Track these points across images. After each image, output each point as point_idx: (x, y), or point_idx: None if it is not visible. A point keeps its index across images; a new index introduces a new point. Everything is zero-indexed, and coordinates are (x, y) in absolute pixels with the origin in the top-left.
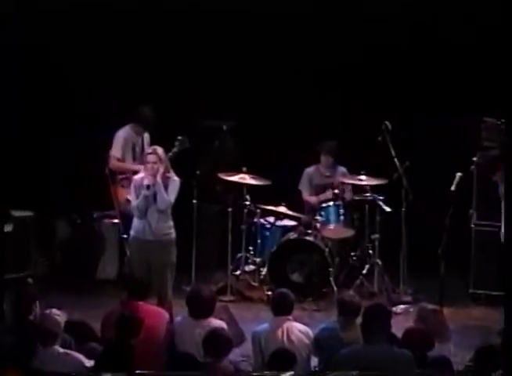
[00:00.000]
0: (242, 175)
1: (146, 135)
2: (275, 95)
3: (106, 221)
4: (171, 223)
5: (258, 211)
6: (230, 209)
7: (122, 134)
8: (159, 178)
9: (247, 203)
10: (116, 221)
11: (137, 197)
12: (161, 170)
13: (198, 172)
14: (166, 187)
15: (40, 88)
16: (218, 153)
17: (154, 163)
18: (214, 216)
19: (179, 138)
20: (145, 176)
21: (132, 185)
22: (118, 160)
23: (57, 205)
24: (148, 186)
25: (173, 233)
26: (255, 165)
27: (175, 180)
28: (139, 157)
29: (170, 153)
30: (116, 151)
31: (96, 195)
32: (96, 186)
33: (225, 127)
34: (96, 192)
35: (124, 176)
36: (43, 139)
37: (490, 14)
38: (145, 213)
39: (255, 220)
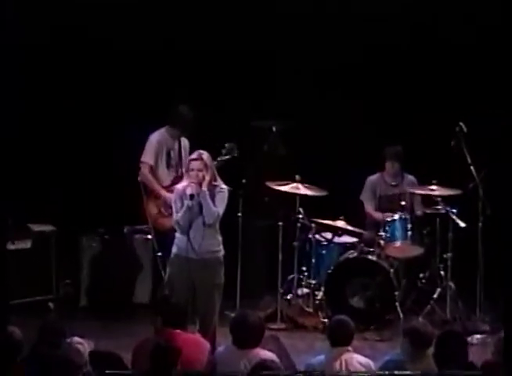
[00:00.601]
0: (294, 185)
1: (184, 140)
2: (331, 92)
3: (138, 237)
4: (220, 239)
5: (313, 225)
6: (281, 223)
7: (156, 137)
8: (205, 187)
9: (300, 216)
10: (149, 237)
11: (179, 208)
12: (207, 178)
13: (244, 181)
14: (213, 197)
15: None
16: (266, 159)
17: (199, 170)
18: (262, 232)
19: (227, 145)
20: (188, 185)
21: (174, 195)
22: (151, 168)
23: (82, 218)
24: (192, 196)
25: (221, 251)
26: (310, 173)
27: (223, 189)
28: (175, 164)
29: (215, 162)
30: (148, 157)
31: (127, 207)
32: (127, 196)
33: (274, 128)
34: (127, 203)
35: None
36: (65, 141)
37: (490, 14)
38: (188, 227)
39: (309, 236)
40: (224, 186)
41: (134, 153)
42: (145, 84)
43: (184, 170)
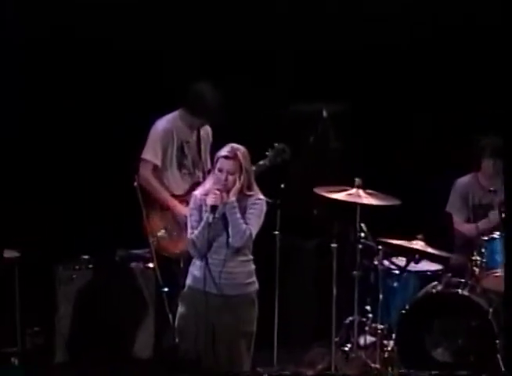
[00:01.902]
0: (353, 191)
1: (206, 129)
2: (401, 66)
3: (136, 265)
4: (252, 268)
5: (380, 248)
6: (335, 245)
7: (163, 125)
8: (233, 196)
9: (363, 235)
10: (151, 265)
11: (196, 224)
12: (238, 185)
13: (283, 186)
14: (244, 211)
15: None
16: (314, 156)
17: (230, 173)
18: (309, 256)
19: (276, 145)
20: (211, 191)
21: (190, 204)
22: (155, 168)
23: (58, 241)
24: (214, 208)
25: (254, 285)
26: (374, 175)
27: (260, 201)
28: (191, 165)
29: (255, 166)
30: (151, 153)
31: (120, 224)
32: (120, 209)
33: (325, 113)
34: (120, 219)
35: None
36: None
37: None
38: (208, 251)
39: (375, 263)
40: (261, 197)
41: (131, 153)
42: (150, 86)
43: (205, 170)
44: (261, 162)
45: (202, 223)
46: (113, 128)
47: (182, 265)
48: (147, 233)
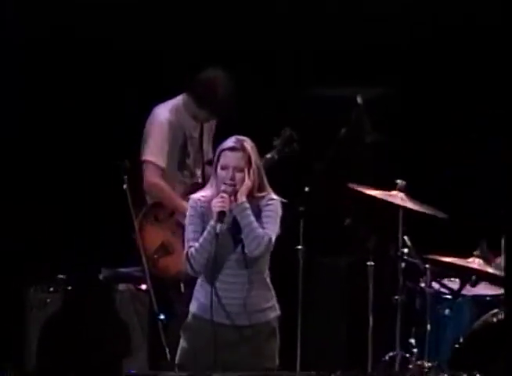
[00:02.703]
0: (393, 193)
1: (210, 125)
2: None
3: (125, 287)
4: (271, 289)
5: (428, 266)
6: (371, 263)
7: (166, 116)
8: (244, 197)
9: (406, 250)
10: (143, 287)
11: (196, 234)
12: (249, 182)
13: (307, 189)
14: (257, 215)
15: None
16: (345, 152)
17: (238, 169)
18: (339, 276)
19: (283, 132)
20: (215, 195)
21: (189, 211)
22: (158, 169)
23: (28, 258)
24: (221, 215)
25: (274, 310)
26: (420, 174)
27: (274, 201)
28: (193, 165)
29: (263, 159)
30: (157, 154)
31: (105, 236)
32: (106, 218)
33: (360, 99)
34: (105, 230)
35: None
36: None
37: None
38: (214, 269)
39: (422, 285)
40: (275, 197)
41: (119, 153)
42: (150, 86)
43: (205, 167)
44: (268, 155)
45: (205, 234)
46: (109, 130)
47: (182, 288)
48: (139, 248)
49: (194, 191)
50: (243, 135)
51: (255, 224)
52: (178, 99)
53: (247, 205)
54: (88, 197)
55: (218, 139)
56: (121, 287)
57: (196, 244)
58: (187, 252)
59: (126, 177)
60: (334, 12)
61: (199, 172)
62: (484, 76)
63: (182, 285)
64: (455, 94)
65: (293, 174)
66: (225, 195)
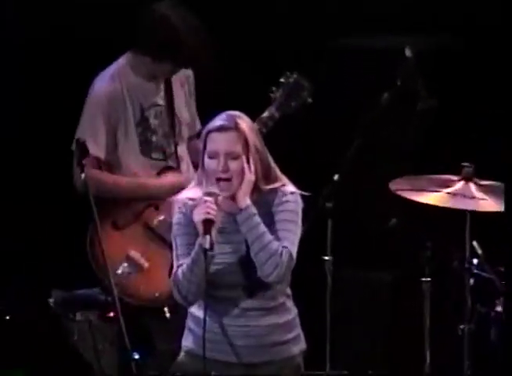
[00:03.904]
0: (459, 186)
1: (183, 77)
2: None
3: (84, 315)
4: (294, 314)
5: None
6: (427, 279)
7: (104, 86)
8: (246, 197)
9: (475, 261)
10: (111, 314)
11: (183, 250)
12: (251, 175)
13: (336, 178)
14: (268, 219)
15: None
16: (391, 124)
17: (233, 157)
18: (382, 295)
19: (288, 75)
20: (203, 200)
21: (175, 217)
22: (98, 162)
23: None
24: (208, 225)
25: (299, 342)
26: (490, 155)
27: (292, 195)
28: (166, 144)
29: (261, 124)
30: (90, 140)
31: (55, 250)
32: (56, 225)
33: (409, 52)
34: (55, 242)
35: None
36: None
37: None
38: (212, 296)
39: (498, 309)
40: (292, 189)
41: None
42: None
43: (180, 145)
44: (264, 114)
45: (192, 254)
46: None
47: (167, 314)
48: (96, 264)
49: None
50: (238, 108)
51: (268, 236)
52: (122, 60)
53: (254, 210)
54: (34, 203)
55: (202, 117)
56: (80, 315)
57: (184, 266)
58: (174, 274)
59: (85, 162)
60: None
61: (174, 155)
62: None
63: (166, 310)
64: None
65: (310, 146)
66: (208, 199)
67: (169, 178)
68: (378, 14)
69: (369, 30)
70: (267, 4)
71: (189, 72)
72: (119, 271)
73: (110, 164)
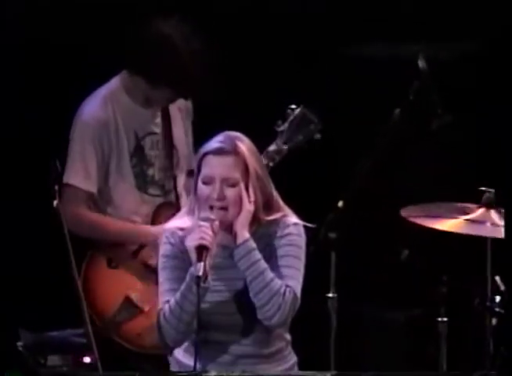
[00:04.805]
0: (478, 213)
1: (183, 104)
2: None
3: (58, 360)
4: (294, 361)
5: None
6: (443, 319)
7: (92, 109)
8: (245, 230)
9: (498, 299)
10: (87, 360)
11: (173, 285)
12: (249, 206)
13: (340, 204)
14: (270, 253)
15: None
16: (401, 143)
17: (230, 184)
18: (392, 337)
19: (293, 108)
20: (196, 228)
21: (162, 249)
22: (79, 194)
23: None
24: (202, 251)
25: None
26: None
27: (295, 227)
28: (163, 178)
29: (265, 158)
30: (79, 173)
31: (27, 284)
32: (30, 255)
33: (423, 63)
34: (28, 275)
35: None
36: None
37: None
38: (203, 339)
39: None
40: (295, 220)
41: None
42: None
43: (179, 178)
44: (270, 147)
45: (183, 287)
46: None
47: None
48: (79, 303)
49: (165, 217)
50: (238, 128)
51: (269, 274)
52: (114, 81)
53: (253, 245)
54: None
55: (198, 139)
56: (52, 360)
57: (172, 301)
58: (158, 313)
59: (57, 188)
60: None
61: (170, 192)
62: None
63: (169, 358)
64: None
65: (316, 177)
66: (204, 224)
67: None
68: (390, 21)
69: (381, 38)
70: (276, 22)
71: (189, 107)
72: (116, 315)
73: (100, 199)
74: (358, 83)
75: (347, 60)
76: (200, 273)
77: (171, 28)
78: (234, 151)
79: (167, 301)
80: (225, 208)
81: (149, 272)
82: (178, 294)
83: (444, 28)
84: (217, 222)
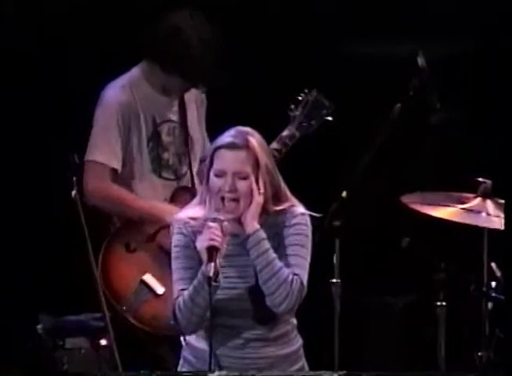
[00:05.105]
0: (475, 202)
1: (197, 96)
2: None
3: (76, 343)
4: (299, 344)
5: None
6: (442, 303)
7: (116, 94)
8: (255, 221)
9: (493, 284)
10: (103, 342)
11: (187, 274)
12: (259, 198)
13: (344, 195)
14: (278, 242)
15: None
16: (401, 138)
17: (242, 177)
18: (393, 321)
19: (307, 93)
20: (205, 220)
21: (175, 239)
22: (113, 174)
23: None
24: (213, 252)
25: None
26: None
27: (302, 217)
28: (178, 163)
29: (275, 149)
30: (104, 151)
31: (44, 271)
32: (45, 244)
33: (422, 61)
34: (44, 261)
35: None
36: None
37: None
38: (215, 328)
39: None
40: (302, 210)
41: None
42: None
43: (194, 165)
44: (284, 132)
45: (195, 282)
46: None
47: (183, 342)
48: (112, 289)
49: (181, 200)
50: (250, 123)
51: (278, 263)
52: (135, 70)
53: (263, 235)
54: (21, 217)
55: (211, 132)
56: (70, 342)
57: (186, 294)
58: (174, 302)
59: (75, 179)
60: None
61: (185, 175)
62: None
63: (182, 339)
64: None
65: (321, 168)
66: (213, 225)
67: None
68: (389, 20)
69: (380, 36)
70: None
71: (204, 100)
72: (132, 297)
73: (124, 178)
74: (361, 79)
75: (349, 58)
76: (211, 274)
77: (181, 19)
78: (246, 146)
79: (182, 290)
80: (236, 200)
81: (165, 256)
82: (191, 289)
83: (441, 27)
84: (226, 223)
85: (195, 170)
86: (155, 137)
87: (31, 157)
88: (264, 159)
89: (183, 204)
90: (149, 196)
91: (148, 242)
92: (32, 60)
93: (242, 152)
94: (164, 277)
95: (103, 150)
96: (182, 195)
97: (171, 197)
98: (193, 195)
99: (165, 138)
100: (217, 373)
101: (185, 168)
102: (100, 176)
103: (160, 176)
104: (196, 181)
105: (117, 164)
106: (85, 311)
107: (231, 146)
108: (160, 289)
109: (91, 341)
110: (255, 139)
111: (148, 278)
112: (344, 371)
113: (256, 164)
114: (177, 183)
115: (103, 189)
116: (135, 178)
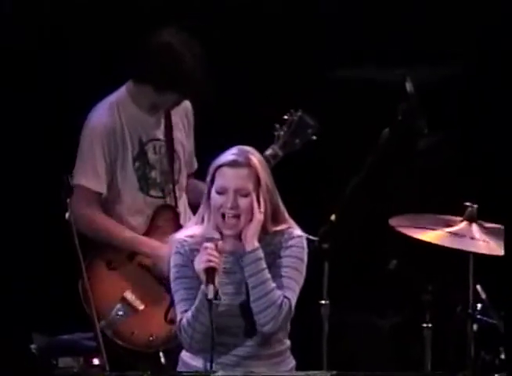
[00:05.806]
0: (461, 226)
1: (184, 107)
2: None
3: (69, 362)
4: (292, 365)
5: None
6: (428, 325)
7: (103, 118)
8: (255, 240)
9: (479, 306)
10: (96, 361)
11: (187, 294)
12: (260, 216)
13: (333, 218)
14: (272, 261)
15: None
16: (390, 163)
17: (243, 194)
18: (379, 341)
19: (292, 113)
20: (206, 242)
21: (173, 259)
22: (89, 194)
23: None
24: (211, 273)
25: None
26: (494, 195)
27: (299, 239)
28: (163, 181)
29: (268, 156)
30: (89, 175)
31: (37, 288)
32: (38, 262)
33: (410, 87)
34: (36, 280)
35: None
36: None
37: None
38: (212, 342)
39: (502, 356)
40: (299, 233)
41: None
42: None
43: (178, 182)
44: (267, 151)
45: (197, 302)
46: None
47: (162, 359)
48: (89, 305)
49: (163, 219)
50: (235, 141)
51: (271, 284)
52: (120, 90)
53: (261, 254)
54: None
55: (202, 151)
56: (63, 362)
57: (189, 314)
58: (178, 322)
59: (69, 200)
60: None
61: (177, 191)
62: None
63: (161, 355)
64: None
65: (310, 192)
66: (209, 245)
67: (165, 249)
68: (378, 45)
69: (369, 62)
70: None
71: (188, 105)
72: (112, 313)
73: (108, 199)
74: (350, 103)
75: (338, 82)
76: (210, 296)
77: (170, 36)
78: (248, 164)
79: (185, 311)
80: (237, 216)
81: (145, 273)
82: (193, 309)
83: (429, 52)
84: (221, 242)
85: (183, 186)
86: (141, 156)
87: (31, 157)
88: (265, 178)
89: (165, 221)
90: (139, 214)
91: (129, 260)
92: (32, 60)
93: (244, 170)
94: (144, 294)
95: (88, 175)
96: (164, 212)
97: (154, 213)
98: (175, 213)
99: (151, 156)
100: (220, 373)
101: (171, 185)
102: (86, 201)
103: (148, 194)
104: (184, 197)
105: (101, 189)
106: (77, 330)
107: (233, 164)
108: (140, 306)
109: (84, 361)
110: (256, 158)
111: (128, 295)
112: (337, 371)
113: (257, 182)
114: (164, 201)
115: (88, 216)
116: (121, 197)
